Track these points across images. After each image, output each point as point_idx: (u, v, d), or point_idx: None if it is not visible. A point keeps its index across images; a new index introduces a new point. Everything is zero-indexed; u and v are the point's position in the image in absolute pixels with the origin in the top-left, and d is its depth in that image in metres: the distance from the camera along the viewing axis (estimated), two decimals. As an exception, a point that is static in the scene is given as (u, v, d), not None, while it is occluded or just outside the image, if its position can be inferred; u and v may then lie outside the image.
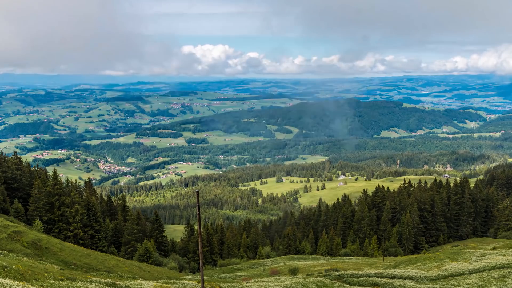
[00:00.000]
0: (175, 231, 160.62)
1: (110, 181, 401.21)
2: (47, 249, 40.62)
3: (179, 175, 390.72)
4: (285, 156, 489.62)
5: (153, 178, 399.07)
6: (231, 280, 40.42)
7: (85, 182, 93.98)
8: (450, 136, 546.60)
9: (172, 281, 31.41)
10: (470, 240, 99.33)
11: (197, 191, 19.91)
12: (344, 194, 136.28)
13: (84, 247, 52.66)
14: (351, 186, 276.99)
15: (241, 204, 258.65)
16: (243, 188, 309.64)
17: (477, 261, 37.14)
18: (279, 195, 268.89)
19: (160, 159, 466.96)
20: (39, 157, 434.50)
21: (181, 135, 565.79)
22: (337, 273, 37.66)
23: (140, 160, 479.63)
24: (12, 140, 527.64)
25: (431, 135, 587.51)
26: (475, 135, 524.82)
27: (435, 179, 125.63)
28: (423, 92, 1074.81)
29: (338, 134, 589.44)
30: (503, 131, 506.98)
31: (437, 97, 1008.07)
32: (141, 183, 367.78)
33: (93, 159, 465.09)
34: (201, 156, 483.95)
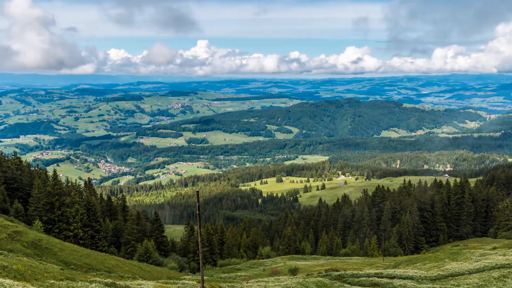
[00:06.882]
0: (175, 231, 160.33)
1: (110, 181, 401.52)
2: (47, 249, 40.61)
3: (179, 175, 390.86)
4: (285, 156, 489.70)
5: (153, 178, 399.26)
6: (231, 280, 40.41)
7: (85, 182, 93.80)
8: (450, 136, 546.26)
9: (172, 281, 31.38)
10: (470, 240, 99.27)
11: (197, 191, 19.90)
12: (344, 194, 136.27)
13: (84, 247, 52.66)
14: (351, 186, 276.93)
15: (241, 204, 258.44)
16: (243, 188, 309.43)
17: (477, 261, 37.11)
18: (279, 195, 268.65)
19: (160, 159, 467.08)
20: (39, 157, 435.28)
21: (181, 135, 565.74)
22: (337, 273, 37.63)
23: (140, 160, 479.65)
24: (12, 140, 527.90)
25: (431, 135, 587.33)
26: (475, 135, 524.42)
27: (435, 179, 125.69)
28: (423, 92, 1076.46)
29: (338, 134, 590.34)
30: (503, 131, 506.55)
31: (437, 97, 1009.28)
32: (141, 183, 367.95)
33: (93, 159, 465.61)
34: (201, 156, 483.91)
